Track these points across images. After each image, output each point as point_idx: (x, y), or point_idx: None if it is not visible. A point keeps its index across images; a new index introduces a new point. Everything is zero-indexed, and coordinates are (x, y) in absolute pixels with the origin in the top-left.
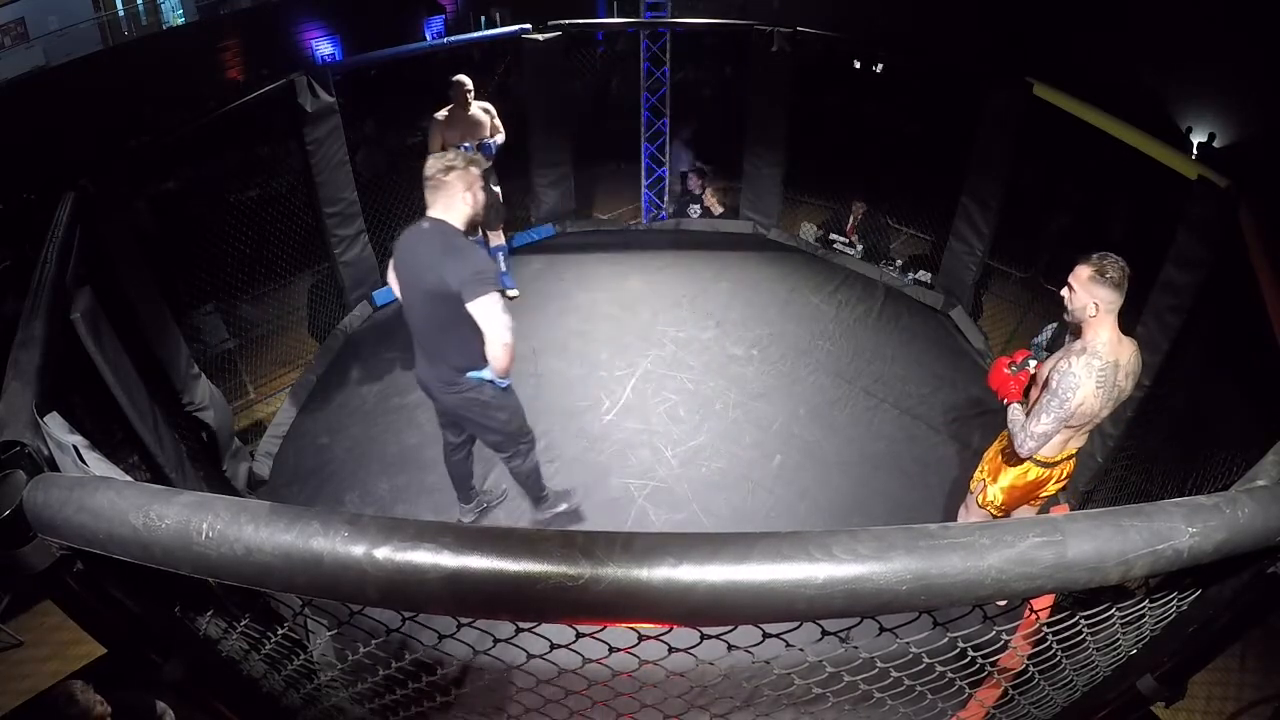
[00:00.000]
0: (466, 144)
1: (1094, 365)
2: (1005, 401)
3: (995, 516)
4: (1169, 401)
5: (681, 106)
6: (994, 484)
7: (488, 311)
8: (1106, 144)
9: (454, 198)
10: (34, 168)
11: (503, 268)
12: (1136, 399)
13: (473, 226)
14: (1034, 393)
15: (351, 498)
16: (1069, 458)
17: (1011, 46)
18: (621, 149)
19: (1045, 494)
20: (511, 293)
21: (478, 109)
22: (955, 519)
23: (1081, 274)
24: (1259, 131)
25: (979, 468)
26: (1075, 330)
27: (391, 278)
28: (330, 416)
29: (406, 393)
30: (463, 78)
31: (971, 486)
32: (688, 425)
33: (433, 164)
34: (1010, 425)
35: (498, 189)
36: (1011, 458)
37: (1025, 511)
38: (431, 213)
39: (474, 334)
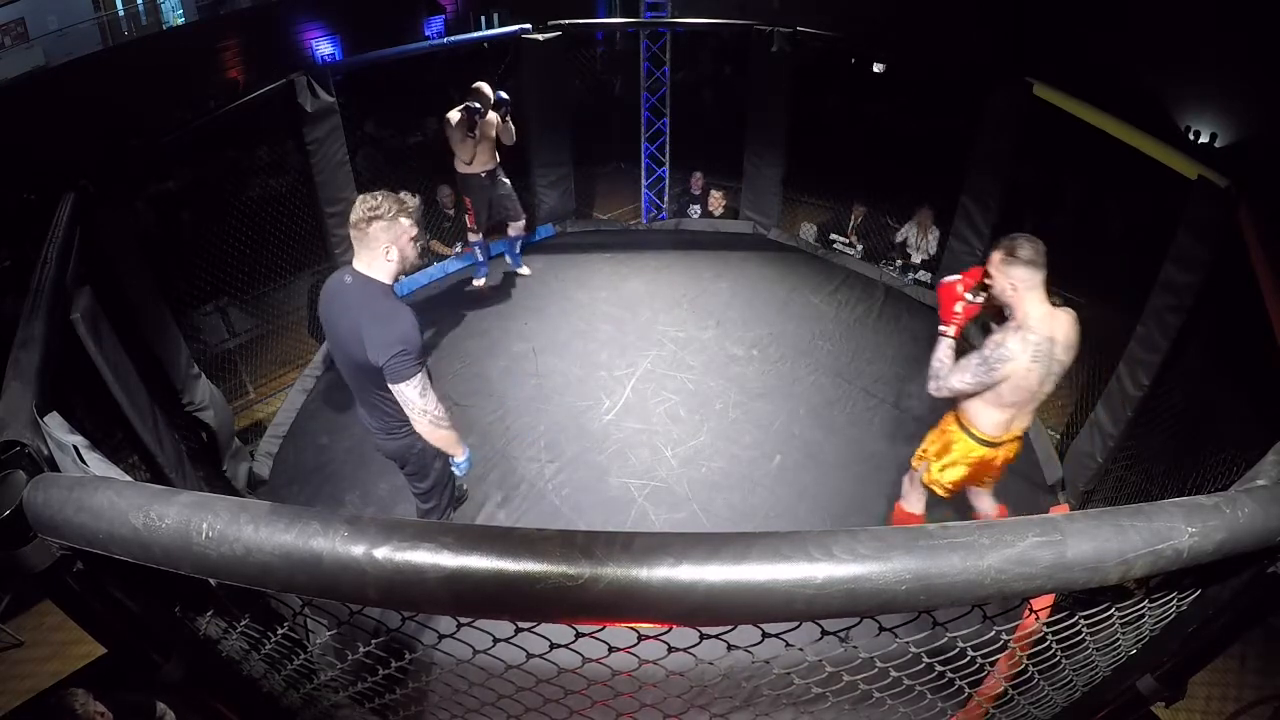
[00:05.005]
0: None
1: (1030, 340)
2: (941, 327)
3: (942, 495)
4: (1169, 401)
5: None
6: (938, 462)
7: (408, 398)
8: (1107, 144)
9: (376, 251)
10: (34, 168)
11: (517, 250)
12: (1136, 399)
13: (401, 275)
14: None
15: (351, 498)
16: (1015, 439)
17: (1011, 46)
18: (622, 149)
19: (991, 474)
20: (523, 271)
21: (493, 113)
22: (954, 519)
23: (995, 258)
24: (1259, 131)
25: (922, 446)
26: (1004, 313)
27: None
28: (330, 416)
29: None
30: (483, 84)
31: (914, 464)
32: (688, 425)
33: (358, 208)
34: (933, 361)
35: (508, 180)
36: (950, 440)
37: (984, 498)
38: (356, 264)
39: None
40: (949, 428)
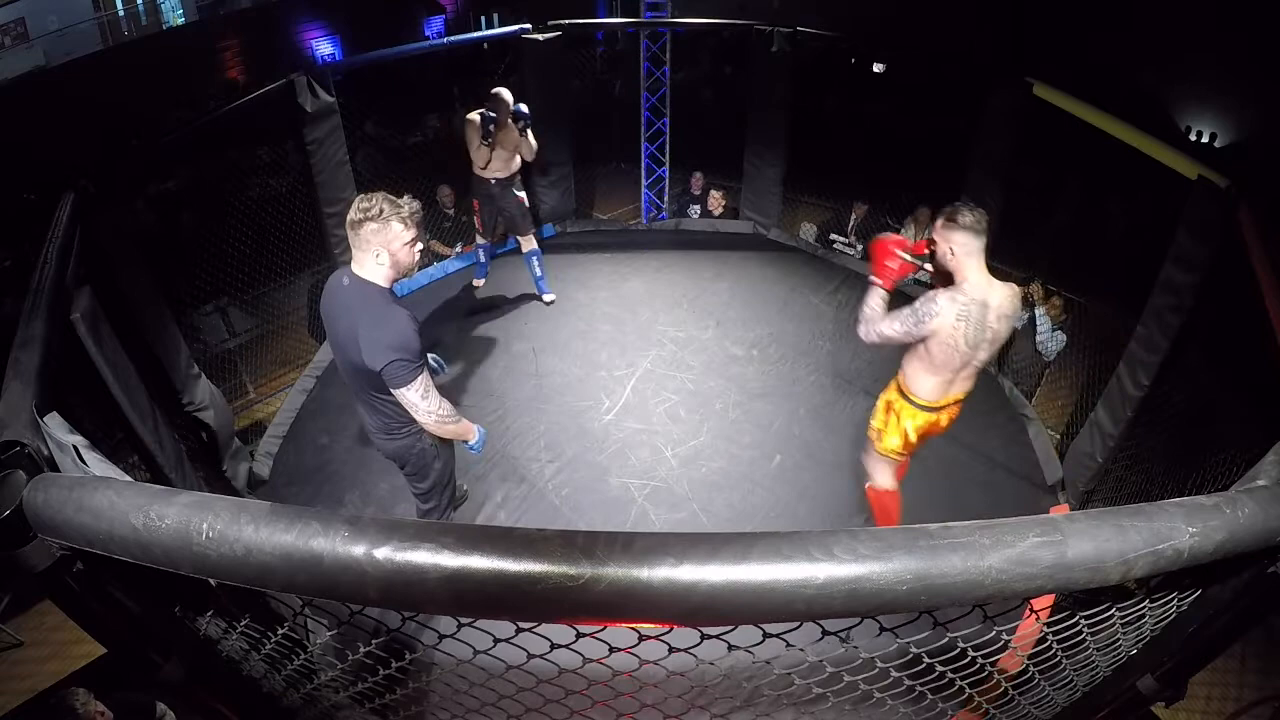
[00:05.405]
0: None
1: (958, 300)
2: (872, 278)
3: (898, 460)
4: (1169, 401)
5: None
6: (890, 430)
7: (411, 402)
8: (1107, 144)
9: (367, 253)
10: (34, 168)
11: (538, 273)
12: (1136, 399)
13: (402, 275)
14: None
15: (351, 498)
16: (955, 402)
17: (1011, 46)
18: (622, 149)
19: (936, 434)
20: (548, 298)
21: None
22: (953, 519)
23: (937, 224)
24: (1259, 131)
25: (873, 416)
26: (947, 279)
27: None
28: (330, 416)
29: None
30: (504, 91)
31: (870, 434)
32: (688, 425)
33: (353, 208)
34: (864, 308)
35: (521, 194)
36: (895, 409)
37: None
38: (353, 265)
39: None
40: (892, 398)
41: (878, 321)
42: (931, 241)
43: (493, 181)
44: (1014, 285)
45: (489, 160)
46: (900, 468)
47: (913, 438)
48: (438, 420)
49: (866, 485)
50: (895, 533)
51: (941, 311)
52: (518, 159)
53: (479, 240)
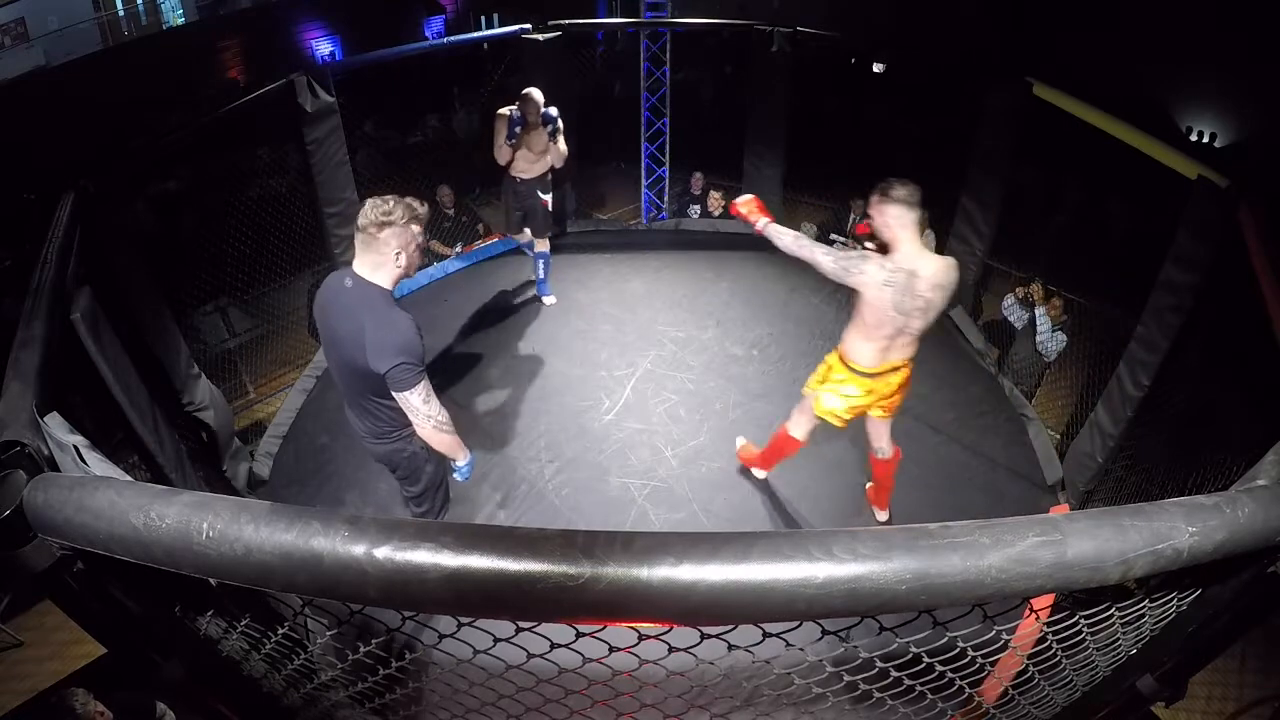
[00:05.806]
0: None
1: (886, 267)
2: (758, 222)
3: (838, 425)
4: (1169, 401)
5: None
6: (823, 391)
7: (413, 405)
8: (1107, 144)
9: (385, 256)
10: (34, 168)
11: (541, 275)
12: (1136, 399)
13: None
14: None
15: (351, 498)
16: (893, 369)
17: (1011, 46)
18: (622, 149)
19: (873, 402)
20: (548, 300)
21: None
22: (953, 519)
23: (873, 198)
24: (1259, 131)
25: (813, 378)
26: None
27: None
28: (330, 416)
29: None
30: (535, 92)
31: (805, 392)
32: (688, 425)
33: (369, 212)
34: (784, 237)
35: (547, 197)
36: (831, 373)
37: (882, 435)
38: (357, 267)
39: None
40: (831, 362)
41: (807, 243)
42: (871, 217)
43: (519, 180)
44: (950, 258)
45: (511, 159)
46: (888, 469)
47: (845, 404)
48: (435, 426)
49: (781, 426)
50: (895, 532)
51: (867, 272)
52: (546, 159)
53: (512, 236)
